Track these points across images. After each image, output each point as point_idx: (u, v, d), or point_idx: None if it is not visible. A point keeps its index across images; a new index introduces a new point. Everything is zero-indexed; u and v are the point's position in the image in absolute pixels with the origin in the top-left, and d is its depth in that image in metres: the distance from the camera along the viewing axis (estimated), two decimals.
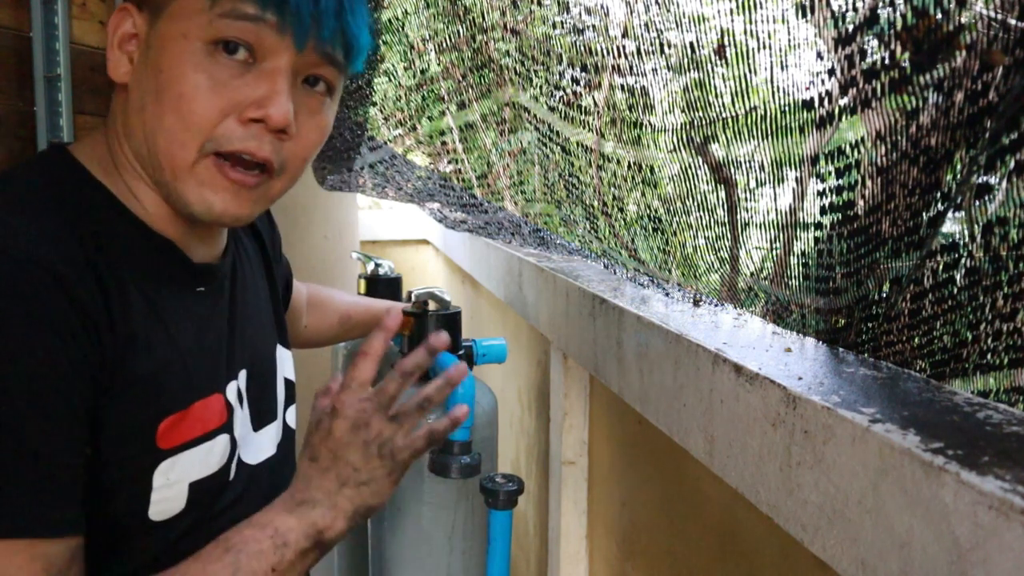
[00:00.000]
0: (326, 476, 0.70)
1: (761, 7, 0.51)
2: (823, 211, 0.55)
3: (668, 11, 0.60)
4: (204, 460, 0.69)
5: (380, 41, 1.22)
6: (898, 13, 0.43)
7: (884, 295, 0.56)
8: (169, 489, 0.66)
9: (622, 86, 0.71)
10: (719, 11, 0.54)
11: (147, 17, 0.65)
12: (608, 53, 0.71)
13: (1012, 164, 0.42)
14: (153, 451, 0.65)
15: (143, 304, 0.65)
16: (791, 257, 0.63)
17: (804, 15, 0.48)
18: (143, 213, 0.68)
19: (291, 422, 0.88)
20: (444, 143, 1.22)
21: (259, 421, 0.81)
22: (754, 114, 0.56)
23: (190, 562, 0.65)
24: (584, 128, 0.80)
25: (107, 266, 0.62)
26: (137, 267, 0.66)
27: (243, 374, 0.78)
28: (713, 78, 0.59)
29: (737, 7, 0.53)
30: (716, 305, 0.86)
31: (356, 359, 0.73)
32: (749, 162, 0.61)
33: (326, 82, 0.69)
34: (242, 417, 0.77)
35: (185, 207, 0.66)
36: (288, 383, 0.89)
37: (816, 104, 0.50)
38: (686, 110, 0.62)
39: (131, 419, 0.63)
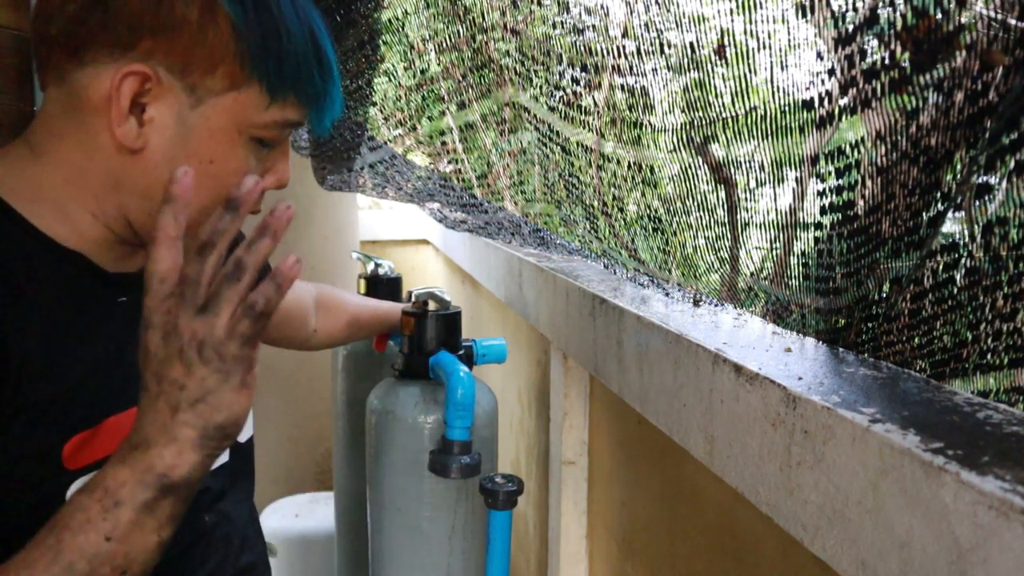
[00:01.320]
0: (156, 405, 0.56)
1: (761, 7, 0.51)
2: (823, 211, 0.55)
3: (668, 11, 0.60)
4: None
5: (380, 41, 1.22)
6: (898, 13, 0.43)
7: (884, 295, 0.56)
8: None
9: (622, 86, 0.71)
10: (719, 11, 0.54)
11: (180, 92, 0.64)
12: (608, 53, 0.71)
13: (1012, 164, 0.42)
14: (61, 472, 0.62)
15: (46, 324, 0.63)
16: (791, 257, 0.63)
17: (804, 15, 0.48)
18: (57, 231, 0.66)
19: (242, 435, 0.86)
20: (444, 143, 1.22)
21: None
22: (754, 114, 0.56)
23: (19, 553, 0.55)
24: (584, 128, 0.80)
25: (4, 287, 0.60)
26: (42, 284, 0.64)
27: None
28: (713, 78, 0.59)
29: (737, 7, 0.53)
30: (716, 305, 0.86)
31: (148, 248, 0.55)
32: (749, 162, 0.61)
33: None
34: None
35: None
36: None
37: (816, 104, 0.50)
38: (686, 110, 0.62)
39: (30, 443, 0.61)
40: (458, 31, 0.99)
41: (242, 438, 0.87)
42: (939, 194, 0.47)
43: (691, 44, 0.59)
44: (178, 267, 0.55)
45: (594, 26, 0.74)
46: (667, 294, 0.94)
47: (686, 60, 0.60)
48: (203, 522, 0.80)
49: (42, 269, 0.64)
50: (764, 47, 0.52)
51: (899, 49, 0.44)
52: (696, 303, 0.88)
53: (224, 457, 0.83)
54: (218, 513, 0.82)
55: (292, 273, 0.55)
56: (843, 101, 0.48)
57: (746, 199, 0.64)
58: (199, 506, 0.79)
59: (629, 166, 0.77)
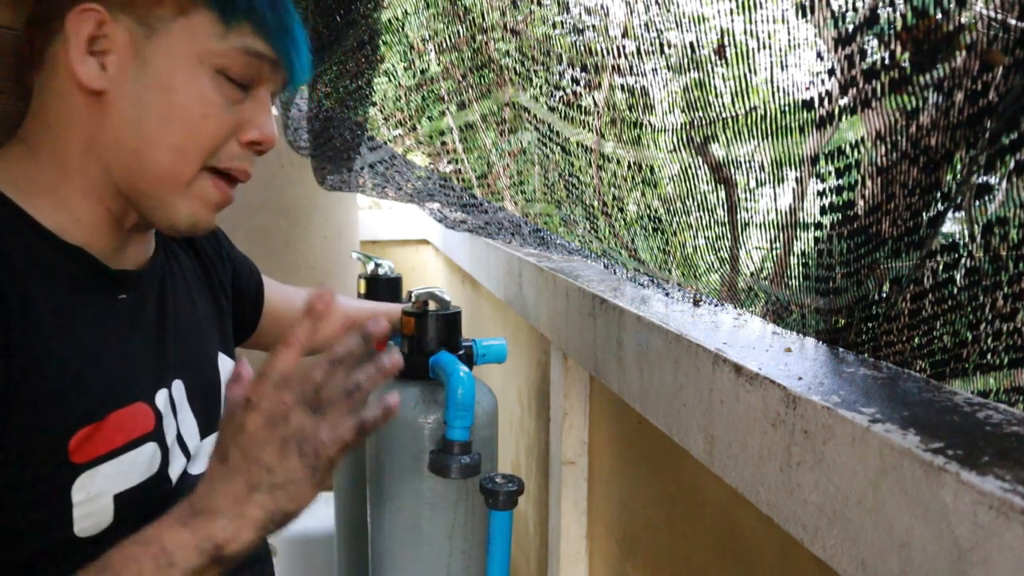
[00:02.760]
0: (234, 480, 0.59)
1: (761, 7, 0.51)
2: (823, 211, 0.55)
3: (668, 11, 0.60)
4: (128, 471, 0.67)
5: (380, 41, 1.22)
6: (898, 13, 0.43)
7: (884, 295, 0.56)
8: (92, 504, 0.64)
9: (622, 86, 0.71)
10: (719, 11, 0.54)
11: (132, 26, 0.65)
12: (608, 53, 0.71)
13: (1012, 164, 0.42)
14: (68, 466, 0.62)
15: (51, 317, 0.63)
16: (791, 257, 0.63)
17: (804, 15, 0.48)
18: (59, 224, 0.67)
19: None
20: (444, 143, 1.22)
21: (207, 430, 0.80)
22: (754, 114, 0.56)
23: None
24: (584, 128, 0.80)
25: (8, 282, 0.61)
26: (45, 279, 0.64)
27: (179, 383, 0.76)
28: (713, 78, 0.59)
29: (737, 7, 0.53)
30: (716, 305, 0.86)
31: (277, 347, 0.62)
32: (749, 162, 0.61)
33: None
34: (186, 426, 0.76)
35: (167, 219, 0.70)
36: None
37: (816, 104, 0.50)
38: (686, 110, 0.62)
39: (39, 436, 0.61)
40: (458, 31, 0.99)
41: None
42: (939, 194, 0.47)
43: (691, 44, 0.59)
44: (292, 370, 0.61)
45: (594, 26, 0.74)
46: (667, 294, 0.94)
47: (686, 60, 0.60)
48: None
49: (45, 263, 0.65)
50: (764, 47, 0.52)
51: (899, 49, 0.44)
52: (696, 303, 0.88)
53: None
54: None
55: (395, 407, 0.64)
56: (843, 101, 0.48)
57: (746, 199, 0.64)
58: None
59: (629, 166, 0.77)
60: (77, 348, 0.65)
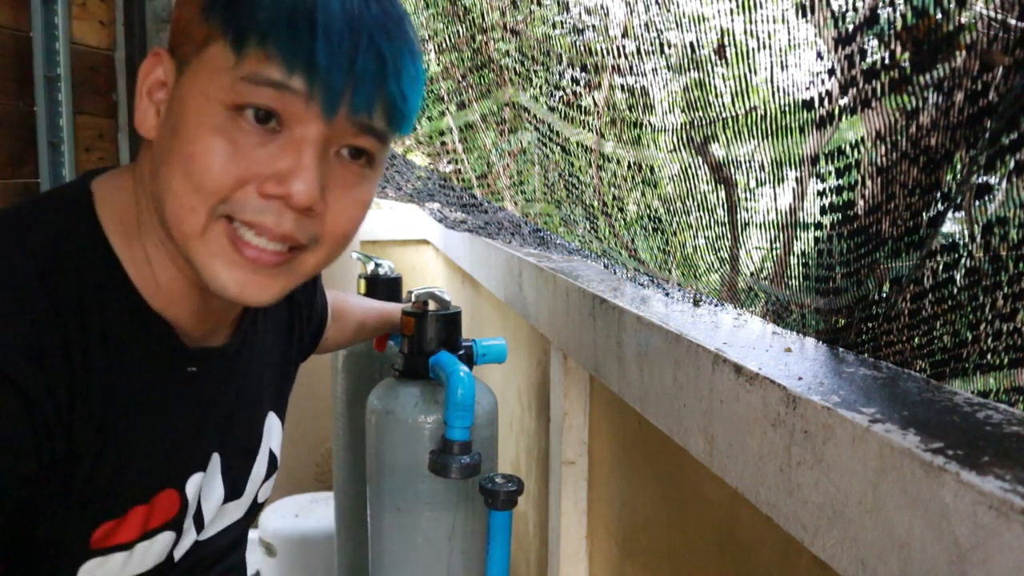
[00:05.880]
0: None
1: (761, 7, 0.51)
2: (823, 211, 0.55)
3: (668, 11, 0.60)
4: (139, 559, 0.65)
5: None
6: (898, 13, 0.43)
7: (884, 295, 0.56)
8: None
9: (622, 86, 0.71)
10: (719, 11, 0.54)
11: (175, 67, 0.58)
12: (608, 53, 0.71)
13: (1012, 164, 0.42)
14: (86, 552, 0.60)
15: (122, 397, 0.59)
16: (791, 257, 0.63)
17: (804, 15, 0.48)
18: (148, 285, 0.62)
19: (263, 496, 0.83)
20: (444, 143, 1.22)
21: (233, 494, 0.76)
22: (754, 114, 0.56)
23: None
24: (584, 128, 0.80)
25: (84, 348, 0.56)
26: (123, 349, 0.60)
27: (215, 457, 0.73)
28: (713, 78, 0.59)
29: (737, 7, 0.53)
30: (716, 305, 0.86)
31: None
32: (749, 162, 0.61)
33: (366, 153, 0.60)
34: (210, 499, 0.73)
35: (210, 280, 0.59)
36: (272, 456, 0.83)
37: (816, 104, 0.50)
38: (686, 110, 0.62)
39: (67, 525, 0.58)
40: (458, 31, 0.99)
41: (262, 498, 0.84)
42: (939, 194, 0.47)
43: (691, 44, 0.59)
44: None
45: (594, 26, 0.74)
46: (667, 294, 0.94)
47: (686, 60, 0.60)
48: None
49: (125, 332, 0.60)
50: (764, 47, 0.52)
51: (899, 49, 0.44)
52: (696, 303, 0.88)
53: (238, 514, 0.80)
54: (222, 565, 0.80)
55: None
56: (843, 101, 0.48)
57: (746, 199, 0.64)
58: (204, 566, 0.76)
59: (629, 166, 0.77)
60: (132, 437, 0.61)
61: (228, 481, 0.75)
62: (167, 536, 0.67)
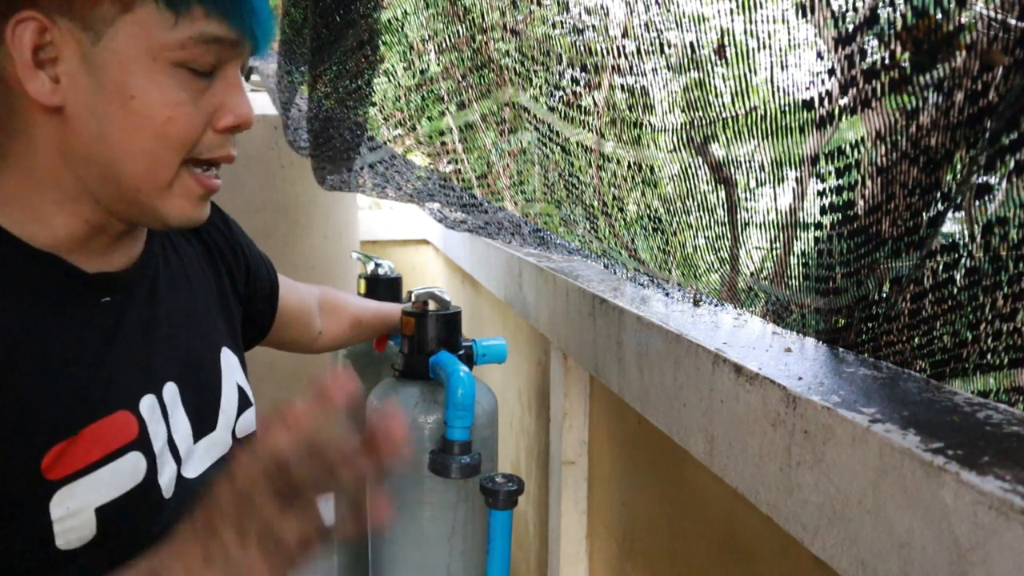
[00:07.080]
0: (192, 547, 0.55)
1: (761, 7, 0.51)
2: (823, 211, 0.55)
3: (668, 11, 0.60)
4: (109, 483, 0.65)
5: (380, 41, 1.22)
6: (898, 13, 0.43)
7: (884, 295, 0.56)
8: (73, 518, 0.62)
9: (622, 86, 0.71)
10: (719, 11, 0.54)
11: (77, 32, 0.60)
12: (608, 53, 0.71)
13: (1012, 164, 0.42)
14: (43, 483, 0.60)
15: (19, 330, 0.61)
16: (791, 257, 0.63)
17: (804, 15, 0.48)
18: (31, 234, 0.64)
19: (241, 431, 0.82)
20: (444, 143, 1.22)
21: (201, 432, 0.77)
22: (754, 114, 0.56)
23: None
24: (584, 128, 0.80)
25: None
26: (12, 290, 0.62)
27: (171, 386, 0.74)
28: (713, 78, 0.59)
29: (737, 7, 0.53)
30: (716, 305, 0.86)
31: (273, 424, 0.56)
32: (749, 162, 0.61)
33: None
34: (178, 429, 0.73)
35: (157, 221, 0.68)
36: (241, 391, 0.83)
37: (816, 104, 0.50)
38: (686, 110, 0.62)
39: (11, 456, 0.59)
40: (458, 31, 0.99)
41: (240, 433, 0.83)
42: (939, 194, 0.47)
43: (691, 44, 0.59)
44: (284, 451, 0.54)
45: (594, 26, 0.74)
46: (667, 294, 0.94)
47: (686, 60, 0.60)
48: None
49: (12, 273, 0.63)
50: (764, 47, 0.52)
51: (899, 49, 0.44)
52: (696, 303, 0.88)
53: (221, 450, 0.79)
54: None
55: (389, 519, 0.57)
56: (843, 101, 0.48)
57: (746, 199, 0.64)
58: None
59: (629, 166, 0.77)
60: (47, 361, 0.62)
61: (192, 413, 0.76)
62: (135, 456, 0.67)
